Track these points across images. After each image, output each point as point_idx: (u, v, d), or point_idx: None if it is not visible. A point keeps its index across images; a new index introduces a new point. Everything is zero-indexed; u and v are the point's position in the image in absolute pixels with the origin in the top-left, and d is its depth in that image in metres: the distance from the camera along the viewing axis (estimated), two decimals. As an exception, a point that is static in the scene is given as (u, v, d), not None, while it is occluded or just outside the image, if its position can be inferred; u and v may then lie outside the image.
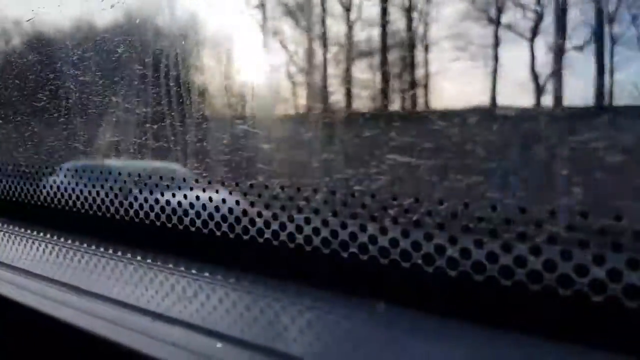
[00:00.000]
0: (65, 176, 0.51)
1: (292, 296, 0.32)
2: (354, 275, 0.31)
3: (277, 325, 0.28)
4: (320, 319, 0.29)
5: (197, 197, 0.40)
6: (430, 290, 0.29)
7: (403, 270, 0.30)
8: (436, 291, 0.28)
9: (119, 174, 0.46)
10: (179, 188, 0.42)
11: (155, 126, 0.43)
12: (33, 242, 0.48)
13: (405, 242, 0.30)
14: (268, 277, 0.34)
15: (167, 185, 0.43)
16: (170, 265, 0.38)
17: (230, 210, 0.38)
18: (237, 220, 0.37)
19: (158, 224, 0.43)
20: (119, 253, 0.42)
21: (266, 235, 0.36)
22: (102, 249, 0.44)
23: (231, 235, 0.38)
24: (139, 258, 0.41)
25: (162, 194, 0.42)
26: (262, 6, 0.39)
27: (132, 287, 0.35)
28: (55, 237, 0.49)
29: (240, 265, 0.36)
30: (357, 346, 0.25)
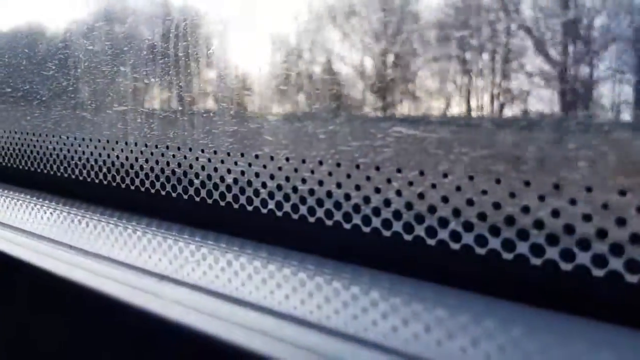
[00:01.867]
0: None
1: (295, 264, 0.32)
2: (358, 245, 0.32)
3: (280, 291, 0.29)
4: (323, 286, 0.29)
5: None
6: (431, 260, 0.29)
7: (405, 242, 0.30)
8: (437, 261, 0.29)
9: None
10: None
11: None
12: (41, 208, 0.49)
13: (409, 214, 0.30)
14: (272, 246, 0.35)
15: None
16: (174, 233, 0.39)
17: (235, 180, 0.38)
18: (242, 190, 0.38)
19: (164, 193, 0.43)
20: (124, 220, 0.43)
21: (270, 206, 0.36)
22: (106, 216, 0.44)
23: (235, 206, 0.38)
24: (143, 225, 0.41)
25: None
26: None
27: (139, 252, 0.36)
28: (60, 204, 0.49)
29: (245, 234, 0.37)
30: (359, 313, 0.26)
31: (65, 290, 0.31)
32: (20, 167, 0.59)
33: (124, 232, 0.40)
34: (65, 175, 0.52)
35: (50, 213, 0.47)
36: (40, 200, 0.52)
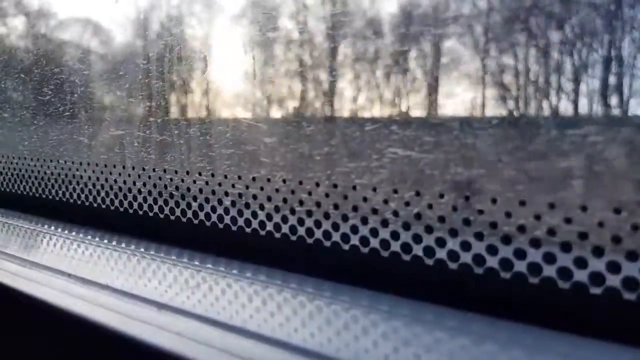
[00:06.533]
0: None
1: (294, 287, 0.32)
2: (356, 266, 0.32)
3: (279, 315, 0.29)
4: (322, 309, 0.29)
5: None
6: (430, 282, 0.29)
7: (404, 262, 0.30)
8: (436, 282, 0.29)
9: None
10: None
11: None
12: (37, 234, 0.49)
13: (407, 234, 0.30)
14: (270, 268, 0.35)
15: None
16: (174, 257, 0.39)
17: (233, 202, 0.38)
18: (240, 212, 0.38)
19: (162, 216, 0.43)
20: (123, 245, 0.43)
21: (268, 228, 0.36)
22: (105, 241, 0.44)
23: (234, 228, 0.38)
24: (142, 250, 0.41)
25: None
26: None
27: (137, 278, 0.36)
28: (59, 229, 0.49)
29: (243, 257, 0.37)
30: (359, 335, 0.26)
31: (63, 320, 0.30)
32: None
33: (122, 257, 0.40)
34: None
35: (47, 239, 0.47)
36: (33, 225, 0.51)
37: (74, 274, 0.36)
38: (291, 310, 0.29)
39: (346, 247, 0.33)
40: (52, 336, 0.32)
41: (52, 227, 0.50)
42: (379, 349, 0.24)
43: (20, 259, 0.40)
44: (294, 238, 0.35)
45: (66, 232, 0.48)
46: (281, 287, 0.32)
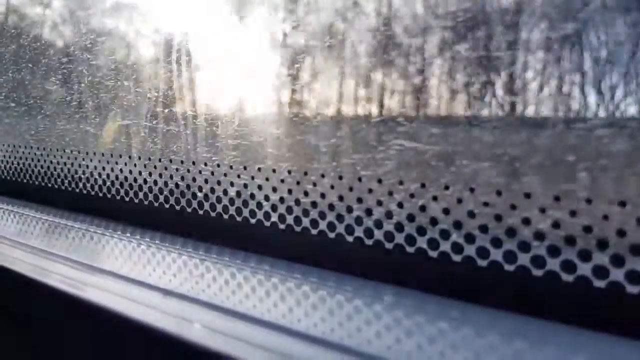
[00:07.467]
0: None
1: (298, 277, 0.32)
2: (360, 257, 0.32)
3: (283, 304, 0.29)
4: (326, 299, 0.29)
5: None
6: (434, 273, 0.29)
7: (408, 254, 0.30)
8: (440, 274, 0.29)
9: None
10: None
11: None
12: (44, 223, 0.49)
13: (411, 226, 0.30)
14: (275, 258, 0.35)
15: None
16: (178, 246, 0.39)
17: (238, 193, 0.39)
18: (245, 203, 0.38)
19: (167, 206, 0.43)
20: (128, 234, 0.43)
21: (273, 219, 0.36)
22: (111, 230, 0.45)
23: (238, 219, 0.38)
24: (148, 239, 0.42)
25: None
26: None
27: (142, 267, 0.36)
28: (65, 218, 0.50)
29: (248, 247, 0.37)
30: (362, 326, 0.26)
31: (70, 306, 0.31)
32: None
33: (128, 246, 0.41)
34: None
35: (54, 228, 0.47)
36: (40, 213, 0.52)
37: (82, 261, 0.36)
38: (295, 300, 0.29)
39: (351, 239, 0.33)
40: (60, 320, 0.33)
41: (59, 217, 0.50)
42: (382, 339, 0.24)
43: (28, 246, 0.41)
44: (298, 229, 0.35)
45: (71, 221, 0.49)
46: (285, 277, 0.33)
